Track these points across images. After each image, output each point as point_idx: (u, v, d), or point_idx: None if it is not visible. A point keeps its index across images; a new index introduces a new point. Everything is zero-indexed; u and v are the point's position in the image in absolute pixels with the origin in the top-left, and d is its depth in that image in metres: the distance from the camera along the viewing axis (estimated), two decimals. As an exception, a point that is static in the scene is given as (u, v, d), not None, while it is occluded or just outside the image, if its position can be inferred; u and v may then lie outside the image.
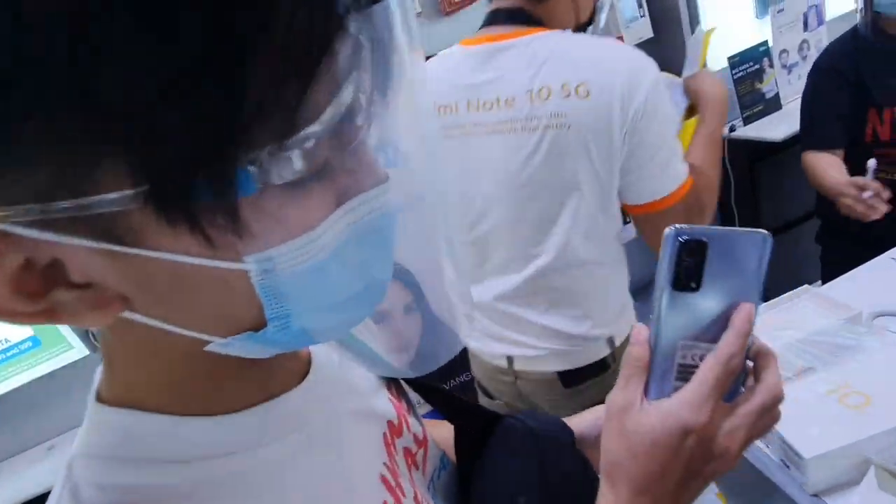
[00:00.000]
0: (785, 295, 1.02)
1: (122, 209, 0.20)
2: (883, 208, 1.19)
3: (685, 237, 0.38)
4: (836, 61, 1.43)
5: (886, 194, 1.20)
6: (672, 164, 0.87)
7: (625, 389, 0.39)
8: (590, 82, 0.82)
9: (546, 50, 0.86)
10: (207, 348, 0.27)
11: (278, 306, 0.26)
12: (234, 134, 0.20)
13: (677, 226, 0.38)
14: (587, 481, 0.49)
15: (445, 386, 1.86)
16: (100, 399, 0.30)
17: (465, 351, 1.88)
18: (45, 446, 1.88)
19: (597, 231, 0.93)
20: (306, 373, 0.37)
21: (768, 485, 0.81)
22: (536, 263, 0.95)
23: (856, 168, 1.32)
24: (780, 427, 0.75)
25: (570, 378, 1.03)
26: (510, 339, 1.05)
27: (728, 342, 0.37)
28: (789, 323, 0.95)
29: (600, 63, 0.84)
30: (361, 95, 0.24)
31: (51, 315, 0.24)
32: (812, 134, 1.46)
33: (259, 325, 0.27)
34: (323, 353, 0.40)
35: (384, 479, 0.39)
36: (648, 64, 0.84)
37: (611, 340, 1.01)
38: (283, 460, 0.33)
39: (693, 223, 0.86)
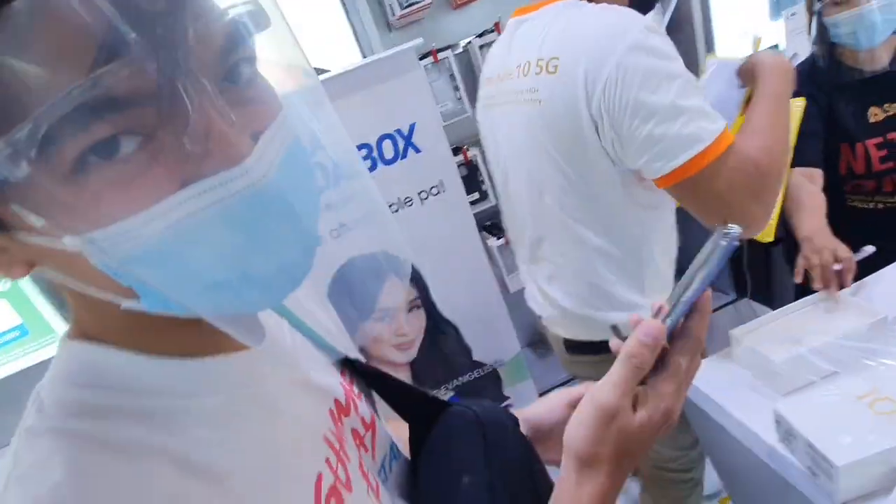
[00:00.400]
0: (807, 298, 0.98)
1: None
2: (824, 285, 1.04)
3: (737, 241, 0.37)
4: (807, 88, 1.33)
5: (850, 278, 1.06)
6: (680, 127, 0.74)
7: (624, 397, 0.39)
8: (560, 56, 0.81)
9: (543, 23, 0.86)
10: (123, 307, 0.29)
11: (137, 283, 0.27)
12: None
13: (730, 230, 0.36)
14: (530, 462, 0.51)
15: (443, 389, 1.81)
16: (67, 336, 0.34)
17: (459, 357, 1.84)
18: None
19: (588, 212, 0.90)
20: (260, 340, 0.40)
21: (790, 492, 0.77)
22: (535, 229, 1.00)
23: (832, 201, 1.24)
24: (807, 433, 0.72)
25: (570, 346, 1.08)
26: (537, 298, 1.11)
27: (699, 333, 0.41)
28: (813, 326, 0.92)
29: (572, 35, 0.80)
30: (173, 75, 0.24)
31: None
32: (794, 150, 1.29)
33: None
34: (276, 327, 0.43)
35: (328, 441, 0.40)
36: (624, 28, 0.74)
37: (616, 329, 0.96)
38: (228, 409, 0.35)
39: (747, 189, 0.81)
